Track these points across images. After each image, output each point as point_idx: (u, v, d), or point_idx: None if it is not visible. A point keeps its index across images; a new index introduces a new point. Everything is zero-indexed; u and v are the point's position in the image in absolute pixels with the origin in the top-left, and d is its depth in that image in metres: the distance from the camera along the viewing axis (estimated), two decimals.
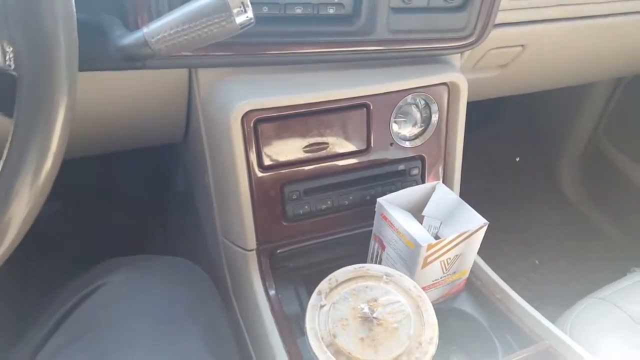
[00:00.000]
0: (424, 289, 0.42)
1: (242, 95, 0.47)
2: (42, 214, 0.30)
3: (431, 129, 0.57)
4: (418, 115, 0.56)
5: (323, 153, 0.52)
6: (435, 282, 0.51)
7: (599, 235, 1.17)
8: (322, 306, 0.41)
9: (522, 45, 0.65)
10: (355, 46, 0.49)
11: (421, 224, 0.50)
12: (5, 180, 0.27)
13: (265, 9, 0.45)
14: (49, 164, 0.28)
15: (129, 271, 0.44)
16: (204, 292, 0.47)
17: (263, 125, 0.48)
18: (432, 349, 0.38)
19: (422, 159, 0.58)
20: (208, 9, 0.32)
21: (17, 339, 0.43)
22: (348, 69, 0.52)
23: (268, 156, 0.50)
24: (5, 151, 0.27)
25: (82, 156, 0.63)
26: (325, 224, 0.56)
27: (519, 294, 0.53)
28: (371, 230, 0.55)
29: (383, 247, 0.53)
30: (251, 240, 0.53)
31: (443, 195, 0.54)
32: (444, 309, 0.51)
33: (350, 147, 0.53)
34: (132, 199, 0.97)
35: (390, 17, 0.49)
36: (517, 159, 1.26)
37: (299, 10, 0.46)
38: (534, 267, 1.11)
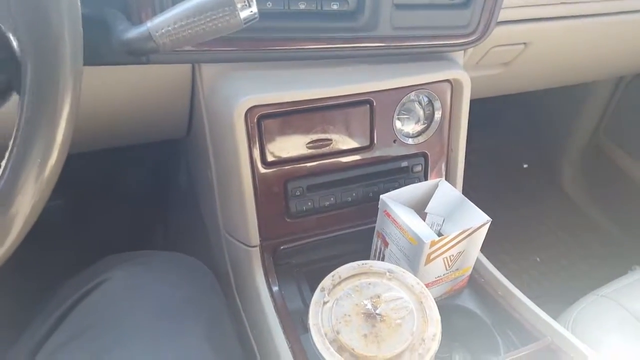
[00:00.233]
0: (427, 285, 0.42)
1: (245, 91, 0.47)
2: (44, 208, 0.30)
3: (434, 126, 0.57)
4: (421, 112, 0.56)
5: (326, 149, 0.52)
6: (438, 278, 0.51)
7: (599, 234, 1.17)
8: (325, 302, 0.41)
9: (524, 43, 0.65)
10: (359, 42, 0.49)
11: (424, 221, 0.50)
12: (10, 174, 0.27)
13: (269, 4, 0.45)
14: (54, 157, 0.28)
15: (130, 267, 0.44)
16: (207, 288, 0.47)
17: (266, 121, 0.48)
18: (435, 345, 0.38)
19: (425, 156, 0.58)
20: (212, 3, 0.32)
21: (17, 335, 0.43)
22: (351, 65, 0.52)
23: (271, 152, 0.50)
24: (11, 144, 0.27)
25: (84, 151, 0.63)
26: (328, 220, 0.56)
27: (519, 291, 0.53)
28: (374, 227, 0.55)
29: (386, 244, 0.53)
30: (254, 237, 0.53)
31: (446, 192, 0.53)
32: (447, 306, 0.51)
33: (353, 144, 0.53)
34: (133, 194, 0.97)
35: (393, 13, 0.48)
36: (525, 166, 1.25)
37: (302, 6, 0.46)
38: (534, 264, 1.11)
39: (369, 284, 0.42)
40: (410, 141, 0.57)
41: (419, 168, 0.58)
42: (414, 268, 0.49)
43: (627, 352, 0.54)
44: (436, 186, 0.54)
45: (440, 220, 0.52)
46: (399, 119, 0.55)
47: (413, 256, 0.48)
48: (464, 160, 0.60)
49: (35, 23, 0.26)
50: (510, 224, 1.14)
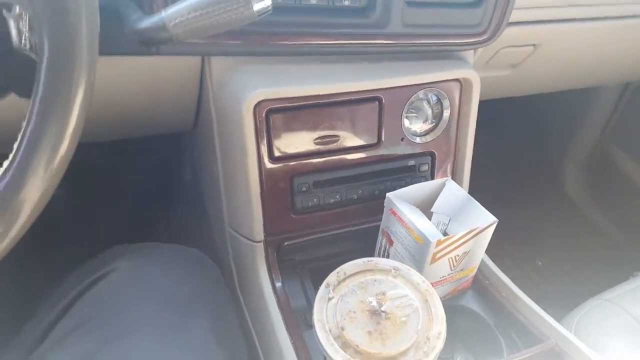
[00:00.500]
0: (431, 285, 0.42)
1: (254, 85, 0.47)
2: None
3: (442, 125, 0.57)
4: (429, 111, 0.56)
5: (333, 146, 0.52)
6: (442, 278, 0.51)
7: (603, 238, 1.17)
8: (330, 299, 0.41)
9: (533, 45, 0.65)
10: (369, 39, 0.49)
11: (430, 220, 0.50)
12: (20, 160, 0.27)
13: None
14: (65, 146, 0.28)
15: (137, 258, 0.44)
16: (212, 281, 0.47)
17: (275, 115, 0.48)
18: (440, 344, 0.38)
19: (432, 155, 0.58)
20: None
21: (22, 325, 0.43)
22: (361, 61, 0.52)
23: (278, 147, 0.50)
24: (22, 131, 0.27)
25: (90, 142, 0.63)
26: (333, 217, 0.56)
27: (523, 293, 0.53)
28: (379, 226, 0.54)
29: (391, 243, 0.52)
30: (259, 232, 0.53)
31: (452, 192, 0.53)
32: (450, 306, 0.51)
33: (360, 141, 0.53)
34: (137, 188, 0.97)
35: (405, 10, 0.48)
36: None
37: (314, 1, 0.46)
38: (537, 268, 1.11)
39: (374, 281, 0.41)
40: (417, 140, 0.56)
41: (425, 167, 0.58)
42: (419, 267, 0.48)
43: (630, 356, 0.54)
44: (443, 185, 0.54)
45: (446, 220, 0.52)
46: (407, 117, 0.55)
47: (418, 255, 0.48)
48: (471, 160, 0.60)
49: (54, 12, 0.26)
50: (513, 227, 1.13)
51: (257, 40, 0.45)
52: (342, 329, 0.38)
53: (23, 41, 0.31)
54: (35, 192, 0.28)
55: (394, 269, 0.43)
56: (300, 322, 0.49)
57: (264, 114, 0.48)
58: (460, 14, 0.51)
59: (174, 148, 0.92)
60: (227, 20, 0.33)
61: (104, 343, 0.36)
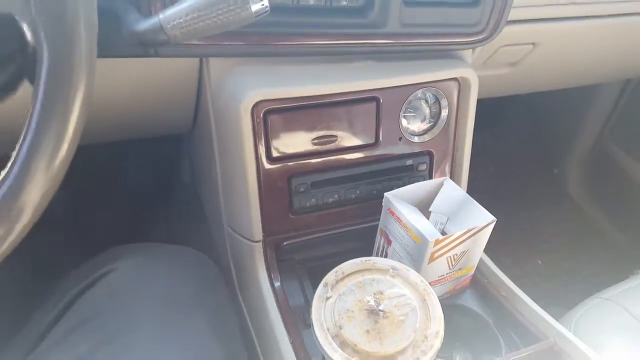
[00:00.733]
0: (430, 284, 0.42)
1: (252, 86, 0.47)
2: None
3: (440, 124, 0.57)
4: (427, 111, 0.56)
5: (331, 146, 0.52)
6: (441, 277, 0.51)
7: (602, 237, 1.17)
8: (328, 298, 0.41)
9: (533, 43, 0.65)
10: (367, 39, 0.49)
11: (428, 219, 0.50)
12: (21, 163, 0.27)
13: None
14: (65, 148, 0.28)
15: (136, 258, 0.45)
16: (211, 281, 0.47)
17: (272, 116, 0.48)
18: (437, 343, 0.38)
19: (430, 154, 0.58)
20: None
21: (22, 324, 0.43)
22: (359, 61, 0.52)
23: (276, 148, 0.50)
24: (23, 133, 0.27)
25: (89, 144, 0.63)
26: (331, 217, 0.56)
27: (522, 291, 0.53)
28: (377, 225, 0.54)
29: (389, 242, 0.53)
30: (257, 232, 0.53)
31: (451, 191, 0.53)
32: (449, 305, 0.51)
33: (358, 141, 0.53)
34: (136, 189, 0.97)
35: (402, 10, 0.48)
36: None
37: (311, 1, 0.46)
38: (536, 267, 1.11)
39: (373, 280, 0.42)
40: (415, 139, 0.57)
41: (424, 166, 0.58)
42: (417, 266, 0.49)
43: (629, 355, 0.54)
44: (441, 185, 0.54)
45: (444, 219, 0.52)
46: (405, 116, 0.55)
47: (416, 254, 0.48)
48: (469, 160, 0.60)
49: (52, 13, 0.27)
50: (513, 226, 1.13)
51: (255, 41, 0.46)
52: (340, 327, 0.38)
53: (28, 42, 0.31)
54: (35, 194, 0.28)
55: (392, 269, 0.43)
56: (299, 321, 0.49)
57: (261, 115, 0.48)
58: (458, 13, 0.51)
59: (173, 149, 0.92)
60: (224, 22, 0.33)
61: (103, 344, 0.37)
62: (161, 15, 0.32)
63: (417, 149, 0.57)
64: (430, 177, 0.59)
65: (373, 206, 0.54)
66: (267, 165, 0.51)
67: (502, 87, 0.79)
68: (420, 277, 0.43)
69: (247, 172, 0.50)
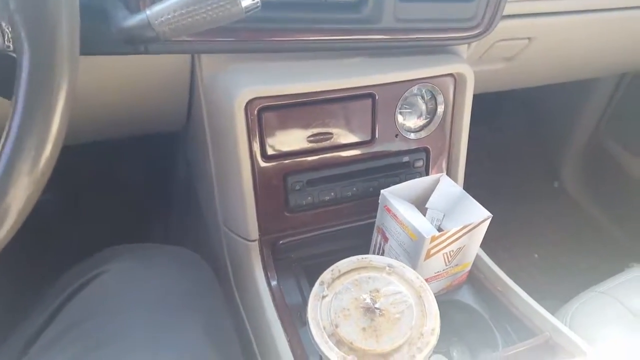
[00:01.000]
0: (426, 281, 0.42)
1: (246, 82, 0.46)
2: (40, 202, 0.30)
3: (436, 120, 0.57)
4: (423, 107, 0.56)
5: (327, 143, 0.52)
6: (437, 274, 0.51)
7: (598, 231, 1.17)
8: (324, 296, 0.40)
9: (528, 38, 0.64)
10: (362, 34, 0.48)
11: (424, 216, 0.50)
12: (3, 166, 0.27)
13: None
14: (49, 149, 0.27)
15: (129, 260, 0.44)
16: (205, 282, 0.46)
17: (267, 113, 0.48)
18: (433, 340, 0.38)
19: (426, 150, 0.58)
20: None
21: (13, 327, 0.43)
22: (354, 57, 0.52)
23: (271, 145, 0.50)
24: (4, 135, 0.27)
25: (81, 143, 0.63)
26: (328, 215, 0.55)
27: (518, 286, 0.53)
28: (374, 222, 0.54)
29: (386, 239, 0.52)
30: (253, 231, 0.52)
31: (447, 188, 0.53)
32: (446, 300, 0.51)
33: (354, 138, 0.53)
34: (131, 187, 0.97)
35: (397, 5, 0.48)
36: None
37: None
38: (533, 261, 1.11)
39: (369, 278, 0.41)
40: (412, 136, 0.56)
41: (420, 163, 0.58)
42: (413, 263, 0.48)
43: (624, 347, 0.55)
44: (437, 181, 0.54)
45: (440, 216, 0.52)
46: (401, 113, 0.55)
47: (413, 251, 0.48)
48: (465, 156, 0.60)
49: (32, 10, 0.26)
50: (509, 221, 1.14)
51: (248, 37, 0.45)
52: (336, 326, 0.38)
53: (7, 42, 0.30)
54: (20, 196, 0.27)
55: (388, 266, 0.43)
56: (295, 319, 0.49)
57: (255, 112, 0.47)
58: (453, 7, 0.50)
59: (167, 148, 0.91)
60: (214, 18, 0.32)
61: (95, 347, 0.36)
62: (149, 12, 0.32)
63: (413, 146, 0.57)
64: (427, 174, 0.59)
65: (369, 203, 0.54)
66: (262, 164, 0.50)
67: (497, 82, 0.79)
68: (416, 274, 0.42)
69: (241, 171, 0.49)
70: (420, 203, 0.52)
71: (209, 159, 0.55)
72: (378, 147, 0.54)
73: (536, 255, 1.13)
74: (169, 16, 0.31)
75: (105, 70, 0.48)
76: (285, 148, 0.51)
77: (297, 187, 0.53)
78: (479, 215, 0.49)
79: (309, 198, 0.53)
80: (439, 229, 0.50)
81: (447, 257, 0.50)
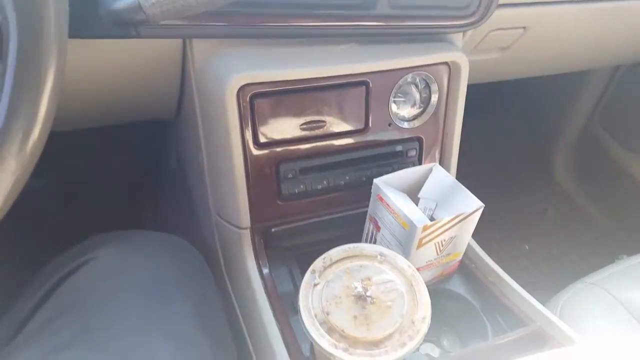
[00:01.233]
0: (417, 269, 0.42)
1: (238, 68, 0.45)
2: (29, 189, 0.29)
3: (430, 109, 0.56)
4: (417, 96, 0.55)
5: (320, 132, 0.51)
6: (429, 263, 0.51)
7: (589, 223, 1.19)
8: (315, 284, 0.41)
9: (523, 27, 0.64)
10: (356, 21, 0.48)
11: (417, 205, 0.50)
12: None
13: None
14: (37, 132, 0.27)
15: (118, 246, 0.44)
16: (195, 269, 0.46)
17: (259, 100, 0.47)
18: (424, 328, 0.38)
19: (419, 140, 0.57)
20: None
21: (2, 312, 0.42)
22: (348, 44, 0.51)
23: (264, 133, 0.49)
24: None
25: (71, 129, 0.62)
26: (320, 203, 0.55)
27: (509, 277, 0.53)
28: (366, 211, 0.54)
29: (378, 228, 0.52)
30: (245, 219, 0.52)
31: (439, 177, 0.53)
32: (437, 290, 0.51)
33: (347, 127, 0.53)
34: (122, 175, 0.96)
35: None
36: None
37: None
38: (524, 253, 1.13)
39: (360, 266, 0.42)
40: (405, 125, 0.56)
41: (413, 152, 0.57)
42: (405, 252, 0.49)
43: (613, 337, 0.55)
44: (430, 171, 0.54)
45: (433, 205, 0.52)
46: (394, 101, 0.54)
47: (405, 240, 0.48)
48: (459, 146, 0.60)
49: None
50: (501, 211, 1.15)
51: (241, 22, 0.44)
52: (328, 314, 0.38)
53: None
54: (7, 180, 0.27)
55: (379, 255, 0.43)
56: (287, 307, 0.49)
57: (248, 99, 0.47)
58: None
59: (159, 135, 0.90)
60: (207, 0, 0.31)
61: (84, 333, 0.36)
62: None
63: (406, 135, 0.56)
64: (420, 163, 0.59)
65: (362, 192, 0.54)
66: (255, 151, 0.50)
67: (492, 73, 0.78)
68: (408, 263, 0.42)
69: (233, 158, 0.49)
70: (413, 192, 0.52)
71: (200, 146, 0.55)
72: (371, 136, 0.54)
73: (527, 247, 1.14)
74: None
75: (96, 55, 0.47)
76: (278, 136, 0.50)
77: (290, 175, 0.52)
78: (471, 205, 0.49)
79: (302, 186, 0.53)
80: (431, 219, 0.50)
81: (439, 247, 0.50)
